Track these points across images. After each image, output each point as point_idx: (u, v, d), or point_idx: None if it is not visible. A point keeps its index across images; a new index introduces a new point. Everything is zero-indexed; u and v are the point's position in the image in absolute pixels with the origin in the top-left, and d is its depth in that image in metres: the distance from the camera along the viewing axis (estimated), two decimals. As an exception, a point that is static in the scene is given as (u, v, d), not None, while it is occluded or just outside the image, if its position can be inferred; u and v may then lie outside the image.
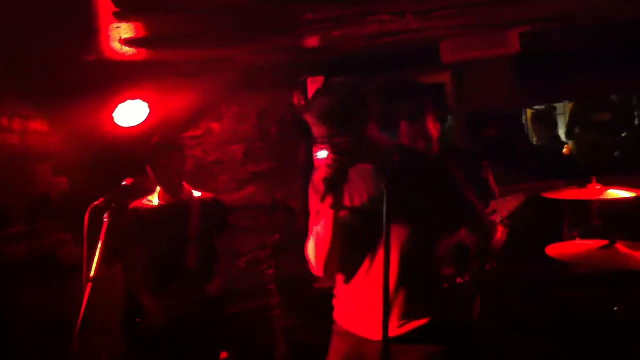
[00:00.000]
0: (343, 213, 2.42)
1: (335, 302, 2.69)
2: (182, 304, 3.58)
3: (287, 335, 4.60)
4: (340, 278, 2.62)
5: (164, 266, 3.66)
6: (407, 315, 2.46)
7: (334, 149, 2.27)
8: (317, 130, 2.34)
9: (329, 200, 2.33)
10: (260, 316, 4.84)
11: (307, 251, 2.54)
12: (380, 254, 2.38)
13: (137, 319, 3.61)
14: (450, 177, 2.49)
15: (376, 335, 2.39)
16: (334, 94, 2.34)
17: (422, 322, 2.46)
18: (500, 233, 3.34)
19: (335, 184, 2.28)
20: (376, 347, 2.25)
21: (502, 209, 3.47)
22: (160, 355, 3.59)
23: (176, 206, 3.75)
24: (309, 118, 2.36)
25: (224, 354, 3.83)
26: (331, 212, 2.37)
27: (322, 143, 2.32)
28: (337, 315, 2.68)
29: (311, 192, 2.65)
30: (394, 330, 2.42)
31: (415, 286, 2.46)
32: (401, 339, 2.43)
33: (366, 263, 2.51)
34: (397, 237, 2.40)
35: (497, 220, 3.35)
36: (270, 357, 4.62)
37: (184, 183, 3.84)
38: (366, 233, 2.46)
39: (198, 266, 3.67)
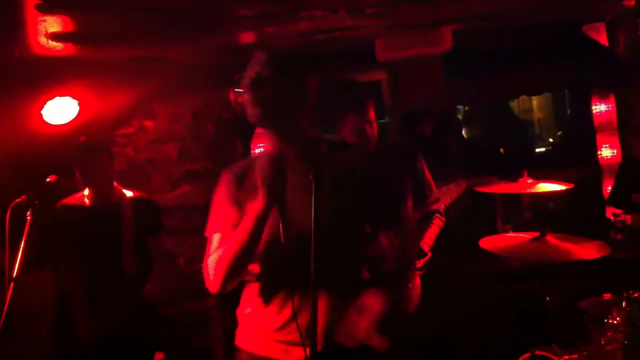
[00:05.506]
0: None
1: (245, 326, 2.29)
2: (119, 313, 3.44)
3: (225, 338, 4.52)
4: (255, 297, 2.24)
5: (100, 272, 3.47)
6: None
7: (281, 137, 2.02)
8: (253, 110, 2.03)
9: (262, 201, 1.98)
10: (196, 318, 4.76)
11: (208, 266, 2.20)
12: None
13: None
14: (379, 172, 2.26)
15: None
16: (278, 69, 2.01)
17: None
18: (435, 228, 3.40)
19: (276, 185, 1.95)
20: None
21: (445, 197, 3.55)
22: None
23: (107, 208, 3.55)
24: (244, 95, 2.06)
25: (159, 355, 3.72)
26: (256, 213, 2.01)
27: (262, 126, 2.08)
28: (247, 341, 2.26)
29: (226, 201, 2.29)
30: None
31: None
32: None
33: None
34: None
35: (441, 209, 3.45)
36: (207, 360, 4.54)
37: (114, 183, 3.64)
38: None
39: (136, 271, 3.51)
